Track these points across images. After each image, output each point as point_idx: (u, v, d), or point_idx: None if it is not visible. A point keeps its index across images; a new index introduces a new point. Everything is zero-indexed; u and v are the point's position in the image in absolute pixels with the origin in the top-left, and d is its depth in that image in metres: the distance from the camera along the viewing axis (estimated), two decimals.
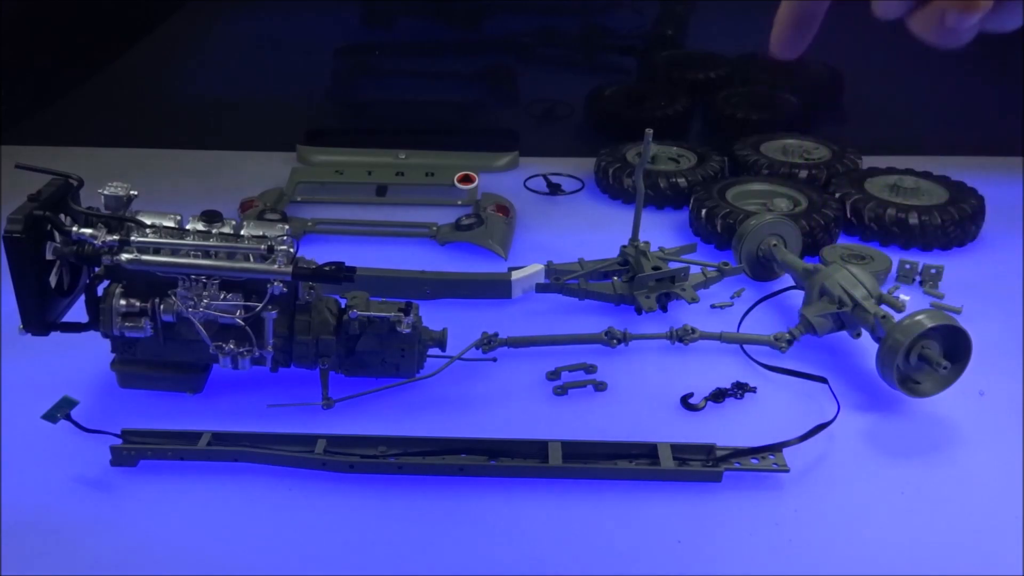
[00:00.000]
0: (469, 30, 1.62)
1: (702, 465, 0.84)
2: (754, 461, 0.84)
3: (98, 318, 0.88)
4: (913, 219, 1.28)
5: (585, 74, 1.67)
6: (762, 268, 1.19)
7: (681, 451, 0.85)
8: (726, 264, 1.18)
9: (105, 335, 0.90)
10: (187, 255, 0.86)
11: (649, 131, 1.07)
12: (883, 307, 0.96)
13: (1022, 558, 0.76)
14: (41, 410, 0.82)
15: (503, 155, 1.61)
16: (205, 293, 0.86)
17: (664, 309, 1.11)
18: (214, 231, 0.87)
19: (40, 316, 0.87)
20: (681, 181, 1.43)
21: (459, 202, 1.41)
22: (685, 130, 1.67)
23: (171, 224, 0.87)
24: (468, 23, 1.61)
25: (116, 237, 0.85)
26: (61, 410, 0.82)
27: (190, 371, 0.93)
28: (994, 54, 1.52)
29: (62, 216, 0.87)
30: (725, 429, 0.90)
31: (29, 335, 0.88)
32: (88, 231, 0.85)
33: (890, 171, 1.44)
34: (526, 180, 1.55)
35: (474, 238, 1.27)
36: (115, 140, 1.63)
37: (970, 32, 0.41)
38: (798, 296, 1.09)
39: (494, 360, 1.00)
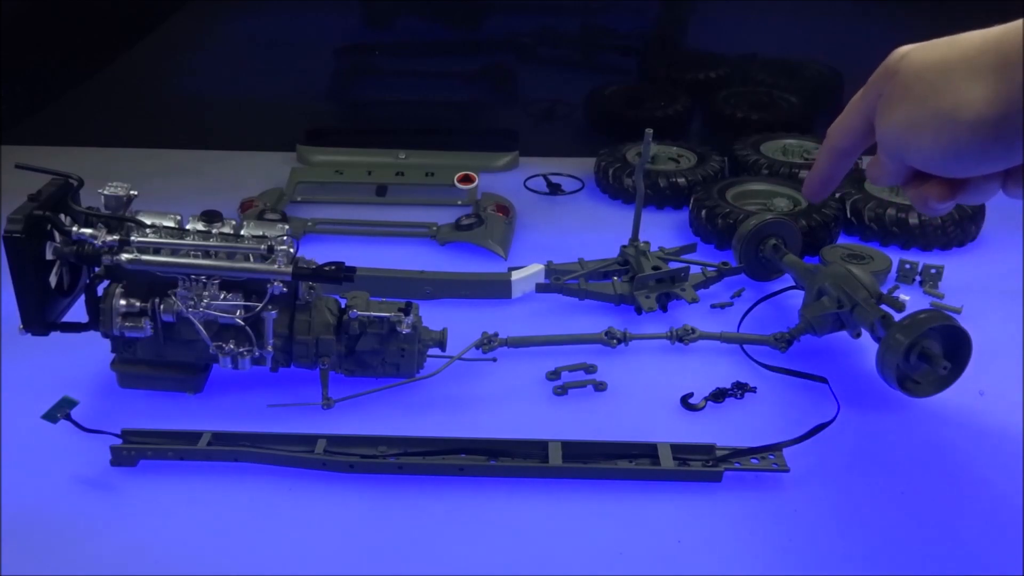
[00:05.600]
0: (469, 30, 1.62)
1: (702, 465, 0.84)
2: (754, 461, 0.84)
3: (98, 318, 0.88)
4: (913, 219, 1.28)
5: (585, 74, 1.67)
6: (762, 268, 1.19)
7: (681, 451, 0.85)
8: (726, 264, 1.18)
9: (105, 335, 0.90)
10: (187, 255, 0.86)
11: (649, 131, 1.07)
12: (883, 307, 0.96)
13: (1022, 558, 0.76)
14: (41, 410, 0.82)
15: (503, 155, 1.61)
16: (205, 293, 0.86)
17: (664, 309, 1.11)
18: (214, 231, 0.87)
19: (40, 316, 0.87)
20: (681, 181, 1.43)
21: (459, 202, 1.41)
22: (685, 130, 1.68)
23: (171, 224, 0.87)
24: (468, 23, 1.61)
25: (116, 237, 0.85)
26: (61, 410, 0.82)
27: (190, 371, 0.93)
28: None
29: (62, 216, 0.87)
30: (725, 429, 0.90)
31: (29, 335, 0.88)
32: (88, 231, 0.85)
33: None
34: (526, 180, 1.55)
35: (474, 238, 1.27)
36: (115, 140, 1.63)
37: (947, 210, 0.58)
38: (798, 296, 1.09)
39: (494, 360, 1.00)
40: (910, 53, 0.55)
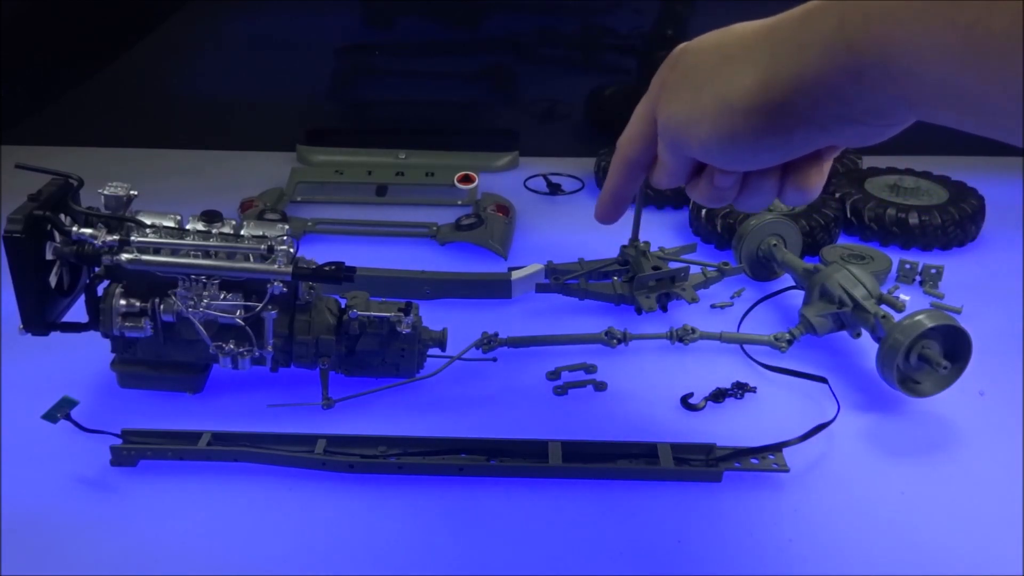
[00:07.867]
0: (469, 30, 1.62)
1: (702, 465, 0.84)
2: (754, 461, 0.84)
3: (98, 318, 0.88)
4: (913, 219, 1.28)
5: (585, 74, 1.67)
6: (762, 268, 1.19)
7: (681, 451, 0.85)
8: (726, 264, 1.18)
9: (105, 335, 0.90)
10: (187, 255, 0.86)
11: None
12: (883, 307, 0.96)
13: (1022, 558, 0.76)
14: (41, 410, 0.82)
15: (503, 155, 1.61)
16: (205, 293, 0.86)
17: (664, 309, 1.11)
18: (214, 231, 0.87)
19: (40, 316, 0.87)
20: None
21: (459, 202, 1.41)
22: None
23: (171, 224, 0.87)
24: (468, 23, 1.61)
25: (116, 237, 0.85)
26: (61, 410, 0.82)
27: (190, 371, 0.93)
28: None
29: (62, 216, 0.87)
30: (725, 429, 0.90)
31: (29, 335, 0.88)
32: (88, 231, 0.85)
33: (890, 171, 1.44)
34: (526, 180, 1.55)
35: (474, 238, 1.27)
36: (115, 140, 1.63)
37: (726, 202, 0.57)
38: (798, 296, 1.09)
39: (494, 360, 1.00)
40: (689, 45, 0.54)
